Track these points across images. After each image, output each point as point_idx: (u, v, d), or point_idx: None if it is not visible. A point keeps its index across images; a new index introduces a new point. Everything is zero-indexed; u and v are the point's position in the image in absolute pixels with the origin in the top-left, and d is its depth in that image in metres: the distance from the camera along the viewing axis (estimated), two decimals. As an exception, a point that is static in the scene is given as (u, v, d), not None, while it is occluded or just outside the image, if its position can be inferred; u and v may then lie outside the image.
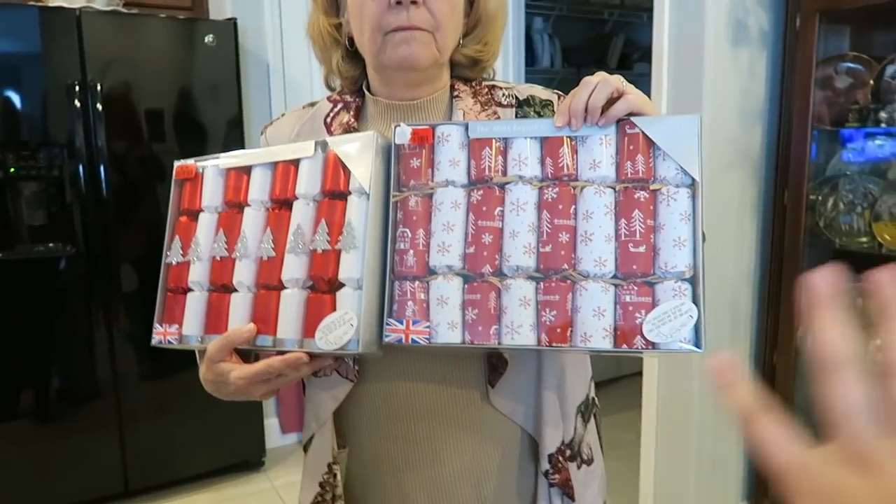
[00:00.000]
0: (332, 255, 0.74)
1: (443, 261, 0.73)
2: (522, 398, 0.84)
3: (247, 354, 0.79)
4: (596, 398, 0.95)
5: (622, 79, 0.73)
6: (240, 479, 2.71)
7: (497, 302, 0.72)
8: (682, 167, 0.71)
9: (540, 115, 0.87)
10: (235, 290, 0.79)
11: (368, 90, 0.90)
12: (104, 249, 2.41)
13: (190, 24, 2.52)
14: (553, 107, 0.88)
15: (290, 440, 3.00)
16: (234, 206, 0.82)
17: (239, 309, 0.78)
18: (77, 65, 2.29)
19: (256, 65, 2.80)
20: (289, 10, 2.80)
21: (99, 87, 2.32)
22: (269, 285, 0.77)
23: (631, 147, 0.72)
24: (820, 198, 1.94)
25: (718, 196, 1.91)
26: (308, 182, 0.77)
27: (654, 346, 0.68)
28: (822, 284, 0.30)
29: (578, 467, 0.88)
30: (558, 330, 0.70)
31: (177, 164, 0.87)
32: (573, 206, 0.72)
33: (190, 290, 0.82)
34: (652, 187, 0.72)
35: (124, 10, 2.47)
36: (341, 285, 0.73)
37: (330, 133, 0.88)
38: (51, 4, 2.33)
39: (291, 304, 0.75)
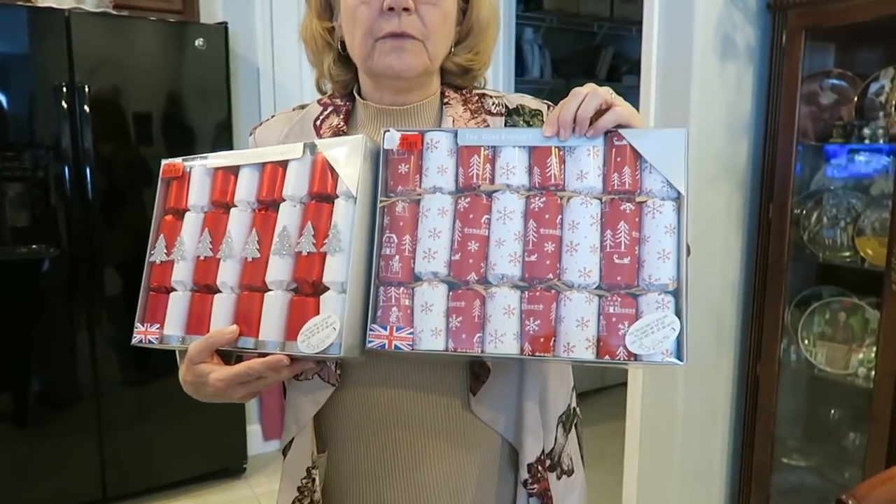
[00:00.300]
0: (317, 257, 0.73)
1: (428, 267, 0.73)
2: (503, 407, 0.84)
3: (228, 356, 0.78)
4: (578, 408, 0.95)
5: (611, 91, 0.74)
6: (220, 487, 2.68)
7: (481, 310, 0.72)
8: (668, 180, 0.72)
9: (529, 125, 0.88)
10: (219, 291, 0.78)
11: (359, 94, 0.90)
12: (88, 252, 2.39)
13: (180, 27, 2.51)
14: (542, 116, 0.89)
15: (273, 447, 2.98)
16: (221, 207, 0.81)
17: (222, 310, 0.77)
18: (65, 66, 2.27)
19: (246, 69, 2.79)
20: (280, 15, 2.80)
21: (87, 89, 2.30)
22: (252, 287, 0.76)
23: (618, 159, 0.73)
24: (804, 212, 1.97)
25: (704, 208, 1.92)
26: (295, 184, 0.77)
27: (636, 357, 0.69)
28: None
29: (558, 478, 0.88)
30: (542, 339, 0.71)
31: (164, 162, 0.87)
32: (559, 216, 0.73)
33: (173, 289, 0.82)
34: (638, 199, 0.72)
35: (114, 12, 2.46)
36: (325, 289, 0.73)
37: (319, 136, 0.87)
38: (40, 5, 2.32)
39: (275, 306, 0.74)
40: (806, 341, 1.96)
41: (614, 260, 0.71)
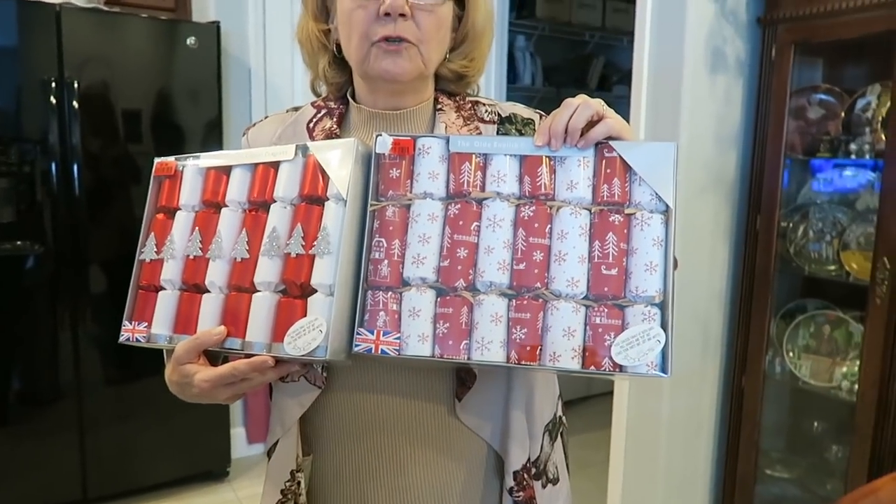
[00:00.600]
0: (306, 259, 0.73)
1: (417, 273, 0.73)
2: (489, 414, 0.84)
3: (215, 356, 0.78)
4: (564, 417, 0.96)
5: (603, 102, 0.74)
6: (203, 490, 2.66)
7: (469, 317, 0.72)
8: (657, 193, 0.72)
9: (521, 133, 0.88)
10: (207, 291, 0.78)
11: (353, 98, 0.90)
12: (74, 249, 2.37)
13: (172, 25, 2.50)
14: (534, 125, 0.89)
15: (257, 450, 2.96)
16: (212, 206, 0.81)
17: (210, 310, 0.77)
18: (54, 61, 2.26)
19: (238, 69, 2.78)
20: (272, 15, 2.79)
21: (76, 85, 2.29)
22: (241, 287, 0.76)
23: (608, 170, 0.73)
24: (791, 225, 1.98)
25: (692, 219, 1.93)
26: (287, 185, 0.77)
27: (621, 368, 0.69)
28: None
29: (544, 486, 0.88)
30: (528, 348, 0.71)
31: (157, 160, 0.86)
32: (549, 226, 0.73)
33: (162, 288, 0.81)
34: (627, 211, 0.72)
35: (105, 8, 2.45)
36: (313, 291, 0.73)
37: (312, 138, 0.88)
38: (30, -1, 2.30)
39: (262, 307, 0.74)
40: (790, 353, 1.97)
41: (602, 271, 0.71)
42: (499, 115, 0.89)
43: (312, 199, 0.75)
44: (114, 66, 2.38)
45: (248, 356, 0.73)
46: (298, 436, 0.85)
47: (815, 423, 2.07)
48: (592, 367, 0.70)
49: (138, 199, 2.45)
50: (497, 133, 0.87)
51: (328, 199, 0.74)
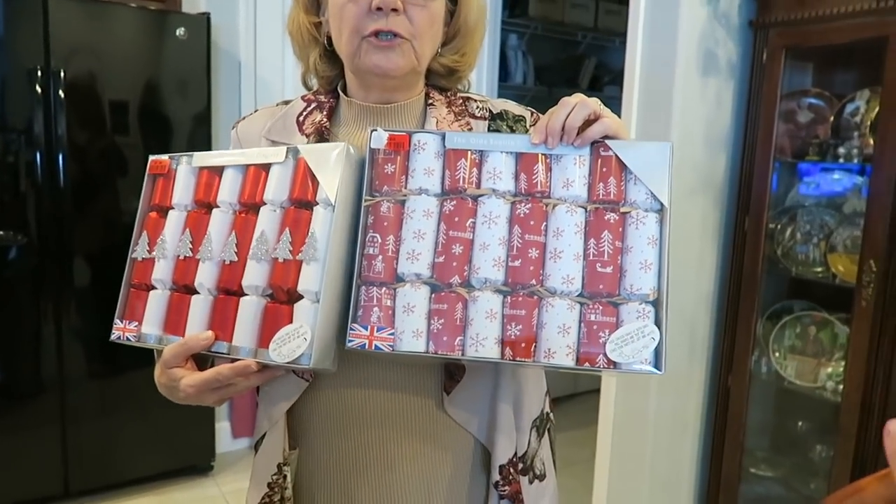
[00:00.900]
0: (294, 265, 0.73)
1: (411, 269, 0.73)
2: (477, 408, 0.84)
3: (203, 358, 0.78)
4: (551, 413, 0.96)
5: (599, 102, 0.74)
6: (187, 484, 2.64)
7: (463, 313, 0.72)
8: (652, 192, 0.72)
9: (512, 130, 0.88)
10: (197, 292, 0.78)
11: (344, 91, 0.90)
12: (58, 241, 2.34)
13: (161, 15, 2.47)
14: (525, 123, 0.89)
15: (241, 445, 2.94)
16: (203, 206, 0.81)
17: (198, 312, 0.77)
18: (41, 50, 2.22)
19: (228, 62, 2.76)
20: (263, 8, 2.77)
21: (62, 74, 2.25)
22: (229, 290, 0.76)
23: (604, 169, 0.73)
24: (779, 227, 2.00)
25: (681, 220, 1.94)
26: (276, 188, 0.76)
27: (615, 365, 0.69)
28: None
29: (530, 482, 0.88)
30: (522, 345, 0.71)
31: (151, 158, 0.86)
32: (544, 223, 0.73)
33: (153, 287, 0.81)
34: (622, 210, 0.73)
35: (94, -2, 2.41)
36: (300, 297, 0.72)
37: (302, 132, 0.87)
38: (16, -14, 2.26)
39: (249, 311, 0.74)
40: (776, 354, 1.99)
41: (597, 268, 0.72)
42: (490, 111, 0.89)
43: (301, 204, 0.75)
44: (101, 57, 2.34)
45: (233, 361, 0.73)
46: (286, 429, 0.84)
47: (800, 423, 2.09)
48: (587, 364, 0.70)
49: (124, 191, 2.43)
50: (488, 129, 0.87)
51: (317, 204, 0.74)
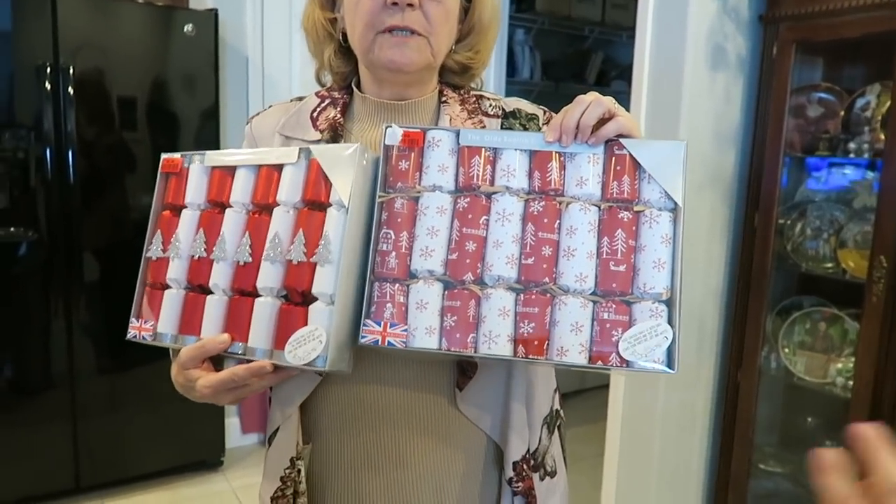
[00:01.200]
0: (307, 267, 0.73)
1: (424, 265, 0.73)
2: (489, 405, 0.84)
3: (220, 356, 0.78)
4: (561, 410, 0.96)
5: (614, 101, 0.74)
6: (196, 479, 2.66)
7: (476, 310, 0.72)
8: (665, 191, 0.72)
9: (525, 128, 0.88)
10: (211, 292, 0.78)
11: (358, 87, 0.90)
12: (67, 237, 2.35)
13: (169, 12, 2.47)
14: (538, 121, 0.89)
15: (251, 440, 2.95)
16: (216, 206, 0.81)
17: (213, 312, 0.77)
18: (49, 46, 2.23)
19: (235, 58, 2.76)
20: (271, 4, 2.77)
21: (71, 71, 2.26)
22: (244, 291, 0.76)
23: (618, 168, 0.73)
24: (788, 222, 1.99)
25: (690, 216, 1.92)
26: (289, 189, 0.76)
27: (628, 364, 0.69)
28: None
29: (541, 479, 0.88)
30: (535, 342, 0.71)
31: (164, 156, 0.86)
32: (558, 221, 0.73)
33: (167, 286, 0.81)
34: (636, 208, 0.73)
35: (102, -6, 2.42)
36: (315, 298, 0.73)
37: (315, 128, 0.87)
38: (25, -17, 2.27)
39: (264, 313, 0.74)
40: (786, 349, 1.98)
41: (610, 267, 0.71)
42: (503, 109, 0.89)
43: (315, 205, 0.75)
44: (110, 53, 2.35)
45: (248, 362, 0.73)
46: (299, 424, 0.85)
47: (809, 419, 2.09)
48: (599, 363, 0.70)
49: (132, 187, 2.44)
50: (501, 127, 0.87)
51: (330, 206, 0.74)
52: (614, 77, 3.86)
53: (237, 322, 0.76)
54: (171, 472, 2.62)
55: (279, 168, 0.77)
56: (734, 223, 2.04)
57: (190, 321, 0.78)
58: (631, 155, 0.73)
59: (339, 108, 0.88)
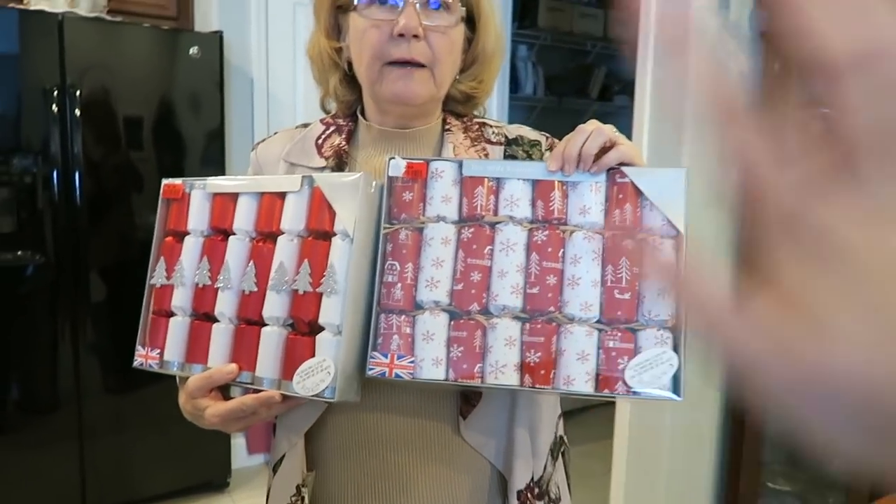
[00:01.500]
0: (314, 297, 0.73)
1: (430, 296, 0.73)
2: (493, 433, 0.84)
3: (227, 385, 0.79)
4: (565, 437, 0.96)
5: (615, 129, 0.75)
6: (202, 501, 2.65)
7: (482, 340, 0.72)
8: (668, 219, 0.72)
9: (528, 155, 0.89)
10: (217, 320, 0.79)
11: (362, 115, 0.91)
12: (74, 258, 2.36)
13: (174, 34, 2.50)
14: (541, 147, 0.90)
15: (257, 461, 2.94)
16: (220, 233, 0.81)
17: (220, 340, 0.77)
18: (56, 69, 2.25)
19: (240, 78, 2.78)
20: (275, 26, 2.80)
21: (78, 93, 2.28)
22: (250, 320, 0.77)
23: (620, 196, 0.74)
24: (793, 239, 1.98)
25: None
26: (293, 218, 0.76)
27: (634, 392, 0.69)
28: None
29: None
30: (542, 371, 0.71)
31: (164, 182, 0.86)
32: (562, 250, 0.73)
33: (173, 314, 0.82)
34: (639, 236, 0.73)
35: (108, 18, 2.45)
36: (321, 328, 0.73)
37: (320, 155, 0.87)
38: (32, 7, 2.30)
39: (271, 342, 0.75)
40: (793, 367, 1.97)
41: (615, 295, 0.72)
42: (505, 136, 0.90)
43: (319, 234, 0.75)
44: (116, 75, 2.37)
45: (256, 391, 0.74)
46: (304, 450, 0.85)
47: (818, 437, 2.07)
48: (606, 391, 0.70)
49: (139, 207, 2.45)
50: (504, 154, 0.88)
51: (335, 235, 0.74)
52: (617, 92, 3.88)
53: (244, 351, 0.76)
54: (178, 494, 2.61)
55: (282, 195, 0.78)
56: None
57: (196, 349, 0.79)
58: (633, 183, 0.74)
59: (343, 136, 0.89)
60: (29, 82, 2.23)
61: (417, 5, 0.79)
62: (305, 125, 0.94)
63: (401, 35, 0.78)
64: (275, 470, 0.89)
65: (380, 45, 0.80)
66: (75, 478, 2.41)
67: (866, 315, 0.19)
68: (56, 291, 2.34)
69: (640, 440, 2.07)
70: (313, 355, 0.72)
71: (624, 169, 0.74)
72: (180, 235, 0.83)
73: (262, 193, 0.79)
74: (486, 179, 0.76)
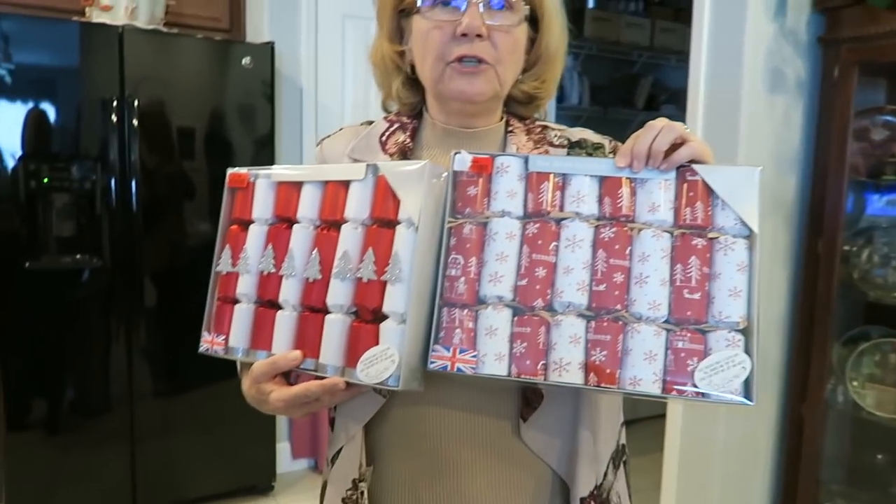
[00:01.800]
0: (378, 285, 0.73)
1: (493, 291, 0.72)
2: (555, 436, 0.82)
3: (289, 372, 0.79)
4: (626, 445, 0.94)
5: (685, 126, 0.73)
6: None
7: (546, 337, 0.71)
8: (740, 218, 0.71)
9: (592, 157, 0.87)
10: (281, 307, 0.79)
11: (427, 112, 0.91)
12: (129, 263, 2.42)
13: (227, 45, 2.56)
14: (604, 150, 0.89)
15: (301, 466, 2.97)
16: (284, 221, 0.81)
17: (284, 327, 0.78)
18: (116, 80, 2.33)
19: (290, 88, 2.84)
20: (324, 36, 2.85)
21: (136, 103, 2.35)
22: (313, 307, 0.77)
23: (690, 194, 0.72)
24: (854, 249, 1.92)
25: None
26: (357, 206, 0.76)
27: (704, 395, 0.67)
28: None
29: None
30: (607, 371, 0.69)
31: (230, 171, 0.87)
32: (629, 248, 0.72)
33: (238, 301, 0.82)
34: (709, 235, 0.71)
35: (164, 30, 2.52)
36: (385, 316, 0.72)
37: (385, 152, 0.88)
38: (94, 20, 2.38)
39: (335, 330, 0.74)
40: (854, 382, 1.90)
41: (684, 294, 0.70)
42: (568, 139, 0.89)
43: (383, 222, 0.74)
44: (171, 85, 2.44)
45: (320, 378, 0.74)
46: (363, 444, 0.84)
47: (879, 456, 1.99)
48: (674, 393, 0.68)
49: (190, 215, 2.51)
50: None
51: (400, 223, 0.73)
52: (664, 101, 3.83)
53: (307, 338, 0.76)
54: (225, 496, 2.64)
55: (346, 184, 0.77)
56: (796, 250, 1.98)
57: (260, 336, 0.79)
58: (704, 181, 0.72)
59: (408, 133, 0.89)
60: (89, 93, 2.31)
61: (481, 6, 0.79)
62: (370, 122, 0.94)
63: (464, 35, 0.78)
64: (332, 462, 0.89)
65: (443, 46, 0.80)
66: (126, 478, 2.46)
67: None
68: (111, 295, 2.41)
69: (691, 455, 2.01)
70: (377, 343, 0.72)
71: (695, 166, 0.72)
72: (245, 224, 0.84)
73: (327, 182, 0.79)
74: (552, 175, 0.75)
